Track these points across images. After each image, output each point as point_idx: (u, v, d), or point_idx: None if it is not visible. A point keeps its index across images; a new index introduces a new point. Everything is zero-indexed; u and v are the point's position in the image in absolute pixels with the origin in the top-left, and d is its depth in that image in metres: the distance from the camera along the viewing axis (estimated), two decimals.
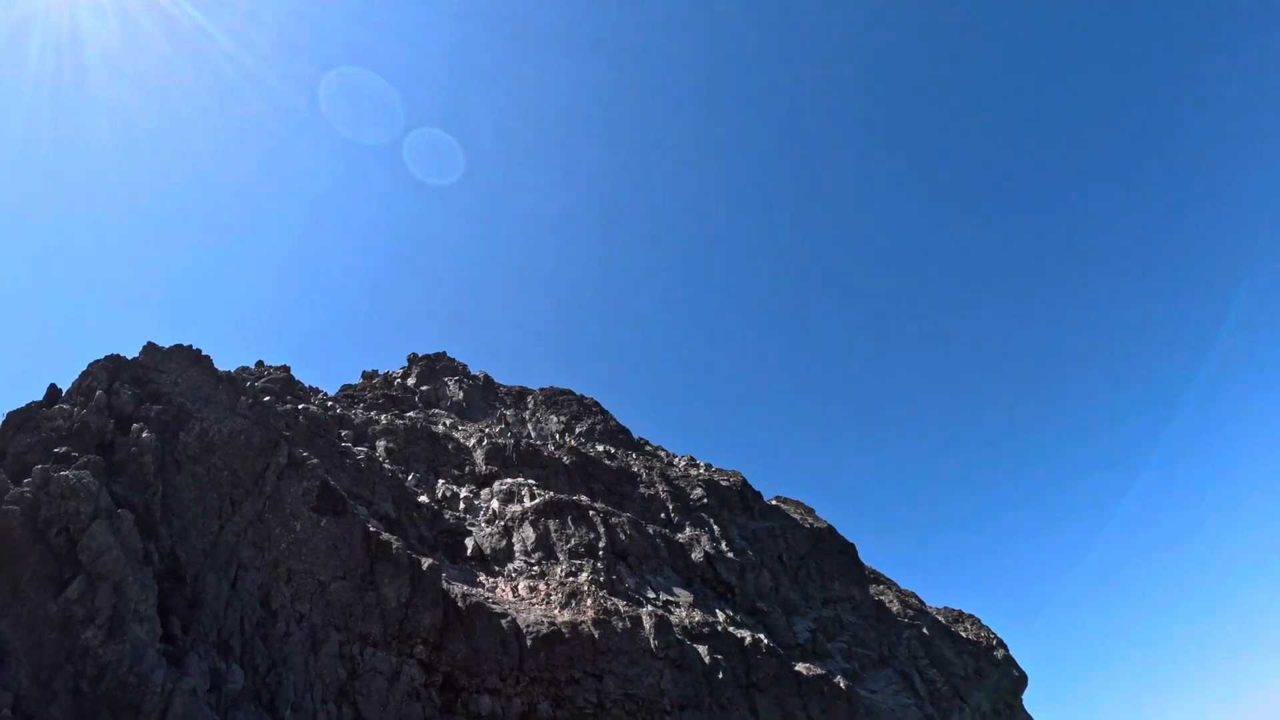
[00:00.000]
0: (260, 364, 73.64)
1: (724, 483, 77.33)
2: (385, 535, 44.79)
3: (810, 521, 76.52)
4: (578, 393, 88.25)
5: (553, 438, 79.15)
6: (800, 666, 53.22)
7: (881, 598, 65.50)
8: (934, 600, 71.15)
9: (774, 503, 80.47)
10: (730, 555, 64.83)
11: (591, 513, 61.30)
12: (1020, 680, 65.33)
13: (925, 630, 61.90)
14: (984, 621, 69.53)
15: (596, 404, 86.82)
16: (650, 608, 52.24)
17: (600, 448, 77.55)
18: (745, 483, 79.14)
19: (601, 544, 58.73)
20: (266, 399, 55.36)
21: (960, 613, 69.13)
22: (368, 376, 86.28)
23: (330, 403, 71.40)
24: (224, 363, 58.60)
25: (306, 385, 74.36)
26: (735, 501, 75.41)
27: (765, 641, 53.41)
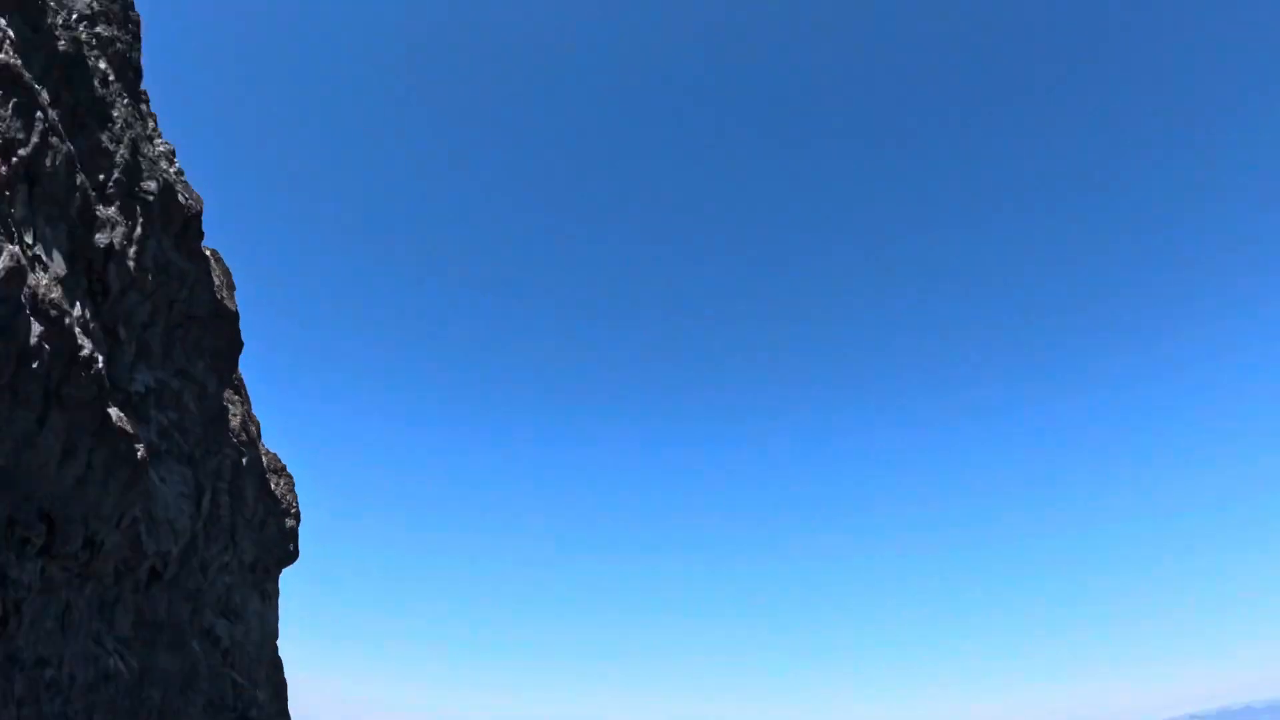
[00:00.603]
0: None
1: None
2: None
3: (225, 296, 68.50)
4: None
5: None
6: (116, 412, 46.30)
7: (231, 406, 60.45)
8: (273, 445, 67.79)
9: (208, 252, 71.02)
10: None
11: None
12: (291, 555, 64.47)
13: (246, 461, 58.26)
14: (298, 488, 67.72)
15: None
16: None
17: None
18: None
19: None
20: None
21: (285, 467, 66.54)
22: None
23: None
24: None
25: None
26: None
27: (100, 368, 45.83)
